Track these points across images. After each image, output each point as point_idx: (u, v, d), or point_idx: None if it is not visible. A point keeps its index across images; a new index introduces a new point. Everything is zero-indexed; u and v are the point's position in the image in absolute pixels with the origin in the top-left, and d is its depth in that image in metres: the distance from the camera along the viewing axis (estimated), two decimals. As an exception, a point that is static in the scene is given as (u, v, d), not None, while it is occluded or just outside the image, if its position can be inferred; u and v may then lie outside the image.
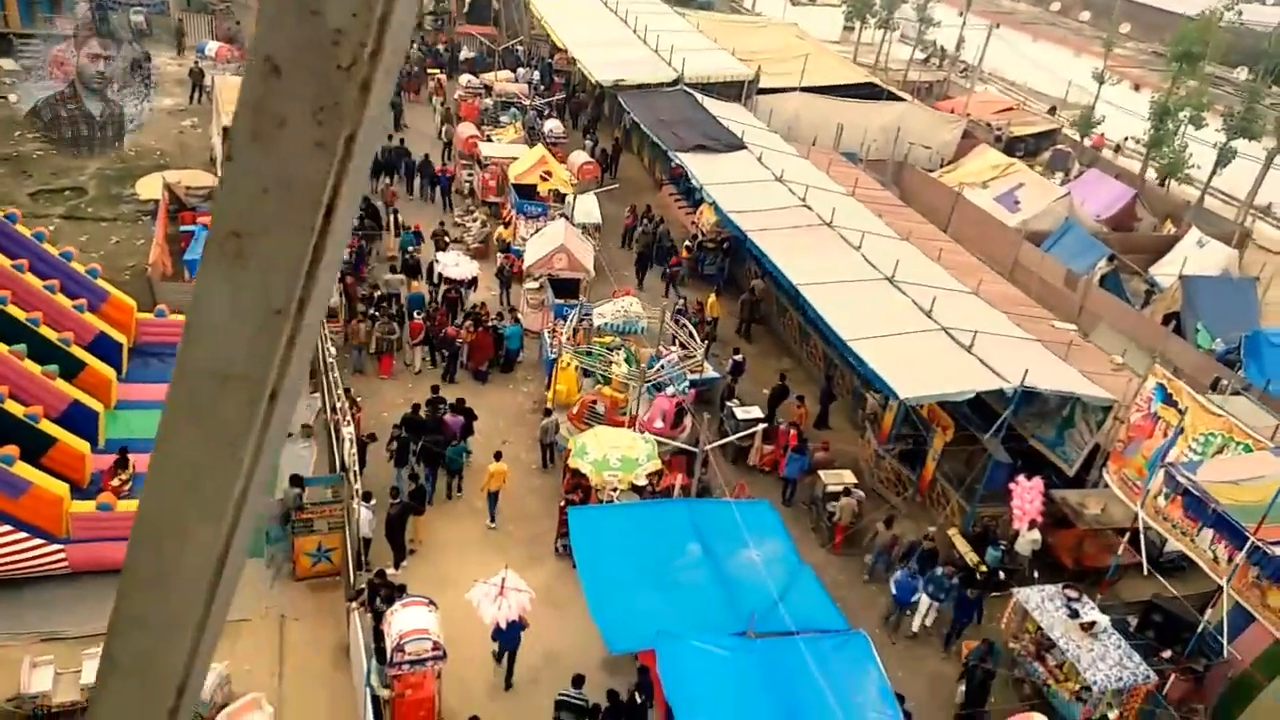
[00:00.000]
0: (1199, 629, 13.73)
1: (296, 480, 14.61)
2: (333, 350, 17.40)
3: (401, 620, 12.17)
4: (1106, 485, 16.74)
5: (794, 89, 32.74)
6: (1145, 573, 14.86)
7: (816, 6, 57.91)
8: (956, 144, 34.21)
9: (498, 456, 16.53)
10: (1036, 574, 15.57)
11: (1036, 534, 16.21)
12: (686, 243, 25.47)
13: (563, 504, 15.93)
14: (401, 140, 29.34)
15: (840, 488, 16.95)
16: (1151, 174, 33.08)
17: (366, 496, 14.80)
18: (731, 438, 16.76)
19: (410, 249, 23.60)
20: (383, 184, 27.51)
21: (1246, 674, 13.18)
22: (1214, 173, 31.45)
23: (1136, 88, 41.11)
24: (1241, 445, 14.20)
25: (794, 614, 12.39)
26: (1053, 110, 38.83)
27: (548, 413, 18.15)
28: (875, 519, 16.59)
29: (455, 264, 22.99)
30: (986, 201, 29.80)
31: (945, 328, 17.49)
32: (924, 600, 15.27)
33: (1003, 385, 15.80)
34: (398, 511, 15.04)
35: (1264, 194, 32.76)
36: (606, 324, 19.87)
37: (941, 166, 33.40)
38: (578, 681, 12.53)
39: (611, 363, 18.33)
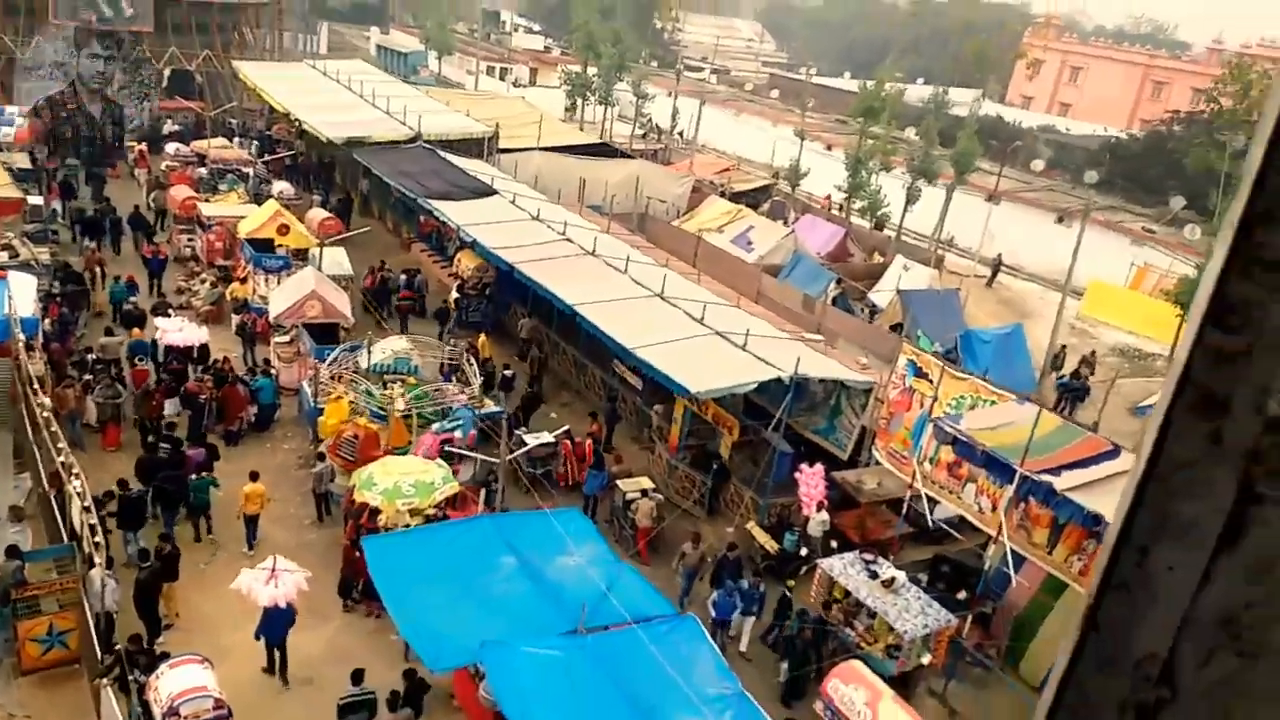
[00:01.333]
0: (984, 572, 14.84)
1: (14, 551, 11.99)
2: (47, 410, 14.69)
3: (172, 681, 10.17)
4: (878, 462, 17.92)
5: (533, 149, 33.43)
6: (931, 526, 15.89)
7: (536, 88, 60.22)
8: (688, 197, 36.43)
9: (254, 477, 15.13)
10: (835, 545, 16.16)
11: (825, 515, 16.89)
12: (454, 295, 24.63)
13: (350, 548, 14.37)
14: (106, 200, 26.27)
15: (638, 493, 16.77)
16: (858, 220, 37.17)
17: (107, 563, 12.42)
18: (526, 448, 16.02)
19: (131, 300, 20.97)
20: (86, 248, 24.36)
21: (1032, 605, 14.35)
22: (906, 209, 35.89)
23: (829, 147, 46.35)
24: (988, 401, 15.81)
25: (621, 606, 11.86)
26: (776, 175, 42.65)
27: (320, 458, 16.44)
28: (681, 534, 16.47)
29: (179, 329, 20.50)
30: (724, 243, 31.84)
31: (719, 332, 18.12)
32: (738, 619, 15.12)
33: (780, 374, 16.53)
34: (147, 576, 12.76)
35: (946, 229, 37.90)
36: (376, 365, 18.59)
37: (679, 217, 35.33)
38: (356, 677, 11.87)
39: (389, 395, 17.08)
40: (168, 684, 10.10)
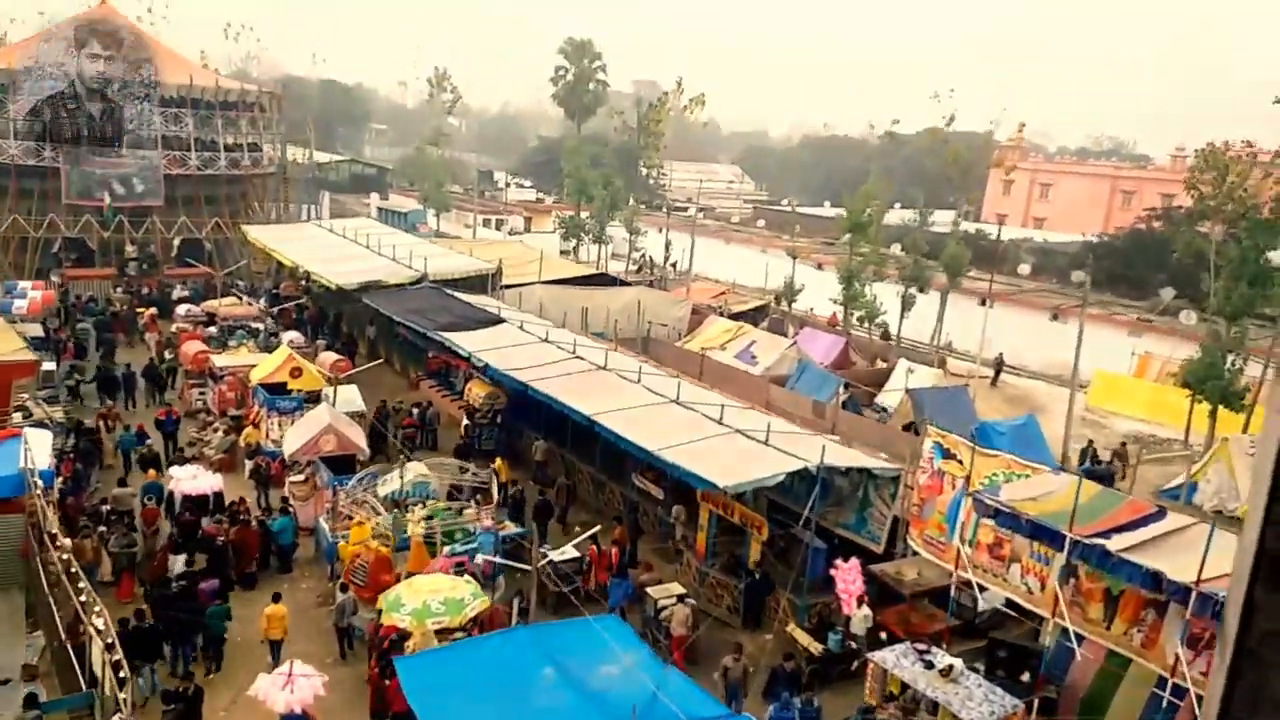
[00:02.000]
0: (1043, 652, 14.18)
1: (32, 701, 11.43)
2: (66, 553, 14.34)
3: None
4: (914, 553, 17.42)
5: (535, 282, 34.25)
6: (977, 619, 15.29)
7: (532, 234, 62.29)
8: (688, 320, 37.05)
9: (276, 598, 14.76)
10: (885, 637, 15.47)
11: (867, 610, 16.28)
12: (465, 422, 24.68)
13: (377, 679, 13.73)
14: (113, 363, 26.72)
15: (671, 600, 16.19)
16: (857, 332, 37.79)
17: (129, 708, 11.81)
18: (549, 559, 15.55)
19: (140, 448, 20.98)
20: (103, 405, 24.52)
21: (1098, 682, 13.63)
22: (902, 316, 36.44)
23: (820, 266, 47.57)
24: (1022, 475, 15.55)
25: (679, 703, 11.24)
26: (778, 299, 43.59)
27: (344, 589, 15.94)
28: (720, 644, 15.82)
29: (193, 477, 20.31)
30: (728, 359, 32.14)
31: (739, 430, 18.01)
32: None
33: (806, 464, 16.32)
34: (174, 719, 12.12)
35: (943, 334, 38.45)
36: (395, 492, 18.35)
37: (680, 339, 35.79)
38: None
39: (409, 520, 16.76)
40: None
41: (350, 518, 17.67)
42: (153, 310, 34.97)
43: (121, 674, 10.67)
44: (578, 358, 22.81)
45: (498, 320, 26.36)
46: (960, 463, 16.44)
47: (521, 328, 25.61)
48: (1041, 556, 14.87)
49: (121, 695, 10.59)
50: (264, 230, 40.18)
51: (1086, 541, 12.63)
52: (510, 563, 14.54)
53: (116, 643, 11.10)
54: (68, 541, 14.04)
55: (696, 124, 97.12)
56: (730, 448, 17.40)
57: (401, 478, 17.88)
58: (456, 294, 29.47)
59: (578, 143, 60.02)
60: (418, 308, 27.75)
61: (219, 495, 20.12)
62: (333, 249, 36.16)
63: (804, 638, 16.31)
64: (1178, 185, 53.98)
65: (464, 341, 24.19)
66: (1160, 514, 13.43)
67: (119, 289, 39.20)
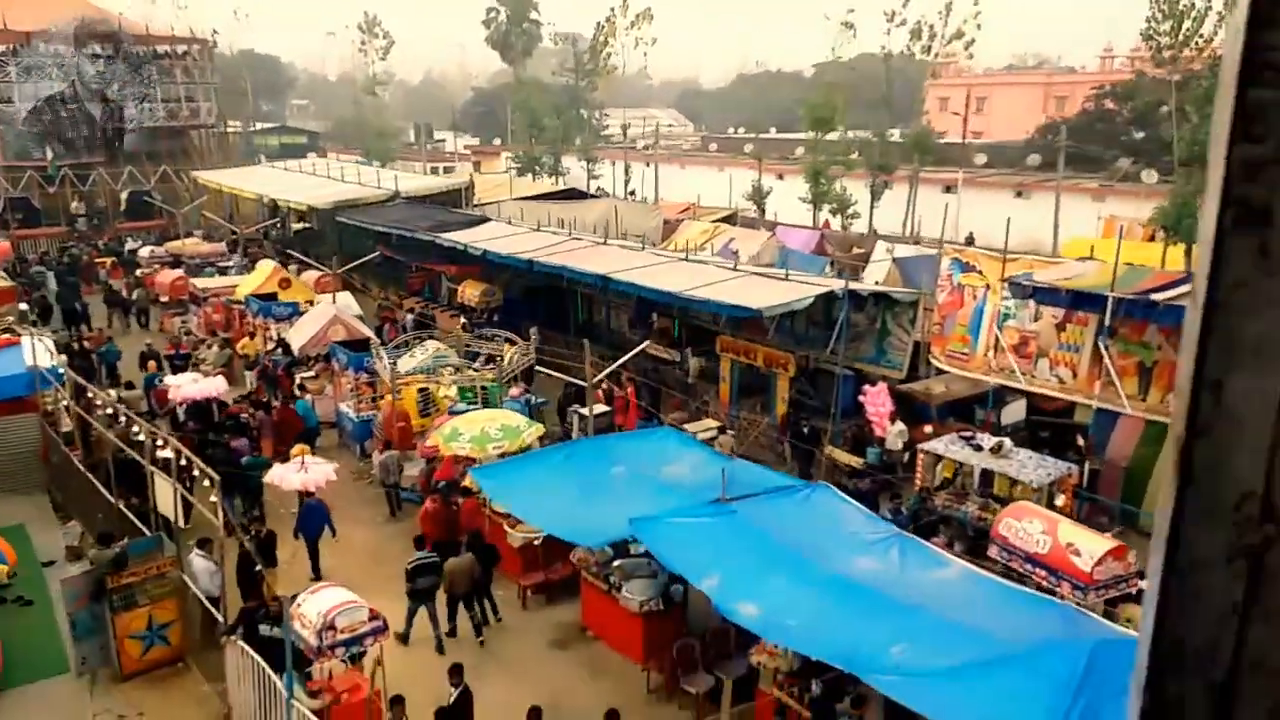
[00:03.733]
0: (1087, 426, 14.70)
1: (108, 538, 11.16)
2: (110, 406, 13.95)
3: (319, 601, 9.37)
4: (939, 372, 17.83)
5: (508, 200, 33.80)
6: (1001, 420, 15.80)
7: (483, 174, 61.37)
8: (661, 230, 36.97)
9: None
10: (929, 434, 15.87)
11: (901, 425, 16.65)
12: (462, 321, 24.40)
13: (443, 508, 13.66)
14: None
15: (710, 434, 16.38)
16: (834, 222, 38.23)
17: (201, 543, 11.61)
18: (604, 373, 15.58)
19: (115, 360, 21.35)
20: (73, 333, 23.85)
21: (1137, 455, 14.18)
22: (873, 206, 36.91)
23: (780, 176, 47.81)
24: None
25: (754, 479, 11.46)
26: (761, 209, 43.51)
27: (387, 445, 15.80)
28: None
29: (193, 380, 19.67)
30: (709, 258, 32.21)
31: (757, 272, 18.17)
32: None
33: (833, 287, 16.57)
34: (254, 547, 11.95)
35: (911, 226, 39.05)
36: (416, 368, 18.15)
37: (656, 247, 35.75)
38: (419, 543, 12.37)
39: (439, 382, 16.67)
40: (315, 604, 9.31)
41: (372, 388, 17.56)
42: (113, 258, 33.82)
43: (213, 499, 10.42)
44: (575, 239, 22.70)
45: (484, 219, 26.06)
46: (980, 273, 16.81)
47: (509, 222, 25.36)
48: (1070, 346, 15.36)
49: (238, 503, 10.35)
50: (218, 173, 38.94)
51: (1130, 297, 13.07)
52: (561, 374, 14.58)
53: (195, 460, 10.81)
54: (112, 393, 13.65)
55: (628, 76, 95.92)
56: (753, 285, 17.57)
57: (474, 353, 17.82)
58: (433, 208, 29.02)
59: (520, 81, 59.06)
60: (399, 219, 27.27)
61: (221, 403, 19.63)
62: (293, 181, 35.29)
63: (844, 456, 16.65)
64: (1110, 82, 55.34)
65: (458, 237, 23.88)
66: (1190, 277, 13.93)
67: (71, 245, 37.76)
